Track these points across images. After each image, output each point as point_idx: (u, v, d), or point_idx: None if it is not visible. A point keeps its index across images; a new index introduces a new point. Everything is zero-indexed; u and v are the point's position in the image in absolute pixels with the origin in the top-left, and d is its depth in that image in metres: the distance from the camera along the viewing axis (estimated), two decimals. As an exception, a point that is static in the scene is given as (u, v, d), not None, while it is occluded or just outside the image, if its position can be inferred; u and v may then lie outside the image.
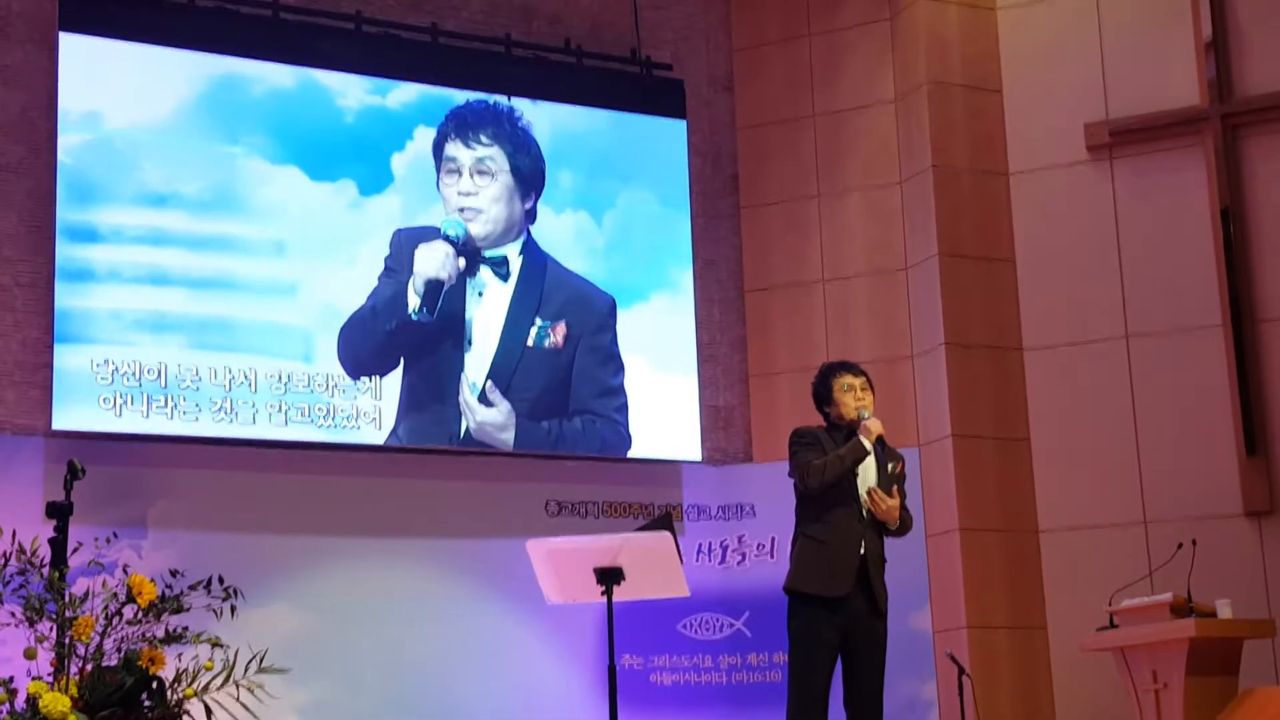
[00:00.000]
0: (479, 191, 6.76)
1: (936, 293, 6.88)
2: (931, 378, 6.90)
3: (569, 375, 6.81)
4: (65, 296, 6.03)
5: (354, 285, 6.53)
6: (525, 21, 7.25)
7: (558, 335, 6.76)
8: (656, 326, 7.10)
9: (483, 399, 6.62)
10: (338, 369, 6.44)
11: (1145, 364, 6.77)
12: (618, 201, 7.17)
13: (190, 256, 6.26)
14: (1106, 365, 6.81)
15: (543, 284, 6.82)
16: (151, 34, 6.34)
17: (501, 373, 6.66)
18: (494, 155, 6.82)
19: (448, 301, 6.61)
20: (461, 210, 6.73)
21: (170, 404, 6.10)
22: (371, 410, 6.46)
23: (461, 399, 6.59)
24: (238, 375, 6.24)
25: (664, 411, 7.01)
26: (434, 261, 6.59)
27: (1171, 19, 6.89)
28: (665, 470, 7.05)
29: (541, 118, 7.06)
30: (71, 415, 5.95)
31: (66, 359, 5.98)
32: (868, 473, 4.78)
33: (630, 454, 6.94)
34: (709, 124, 7.51)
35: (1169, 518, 6.53)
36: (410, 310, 6.52)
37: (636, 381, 6.98)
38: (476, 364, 6.65)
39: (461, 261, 6.63)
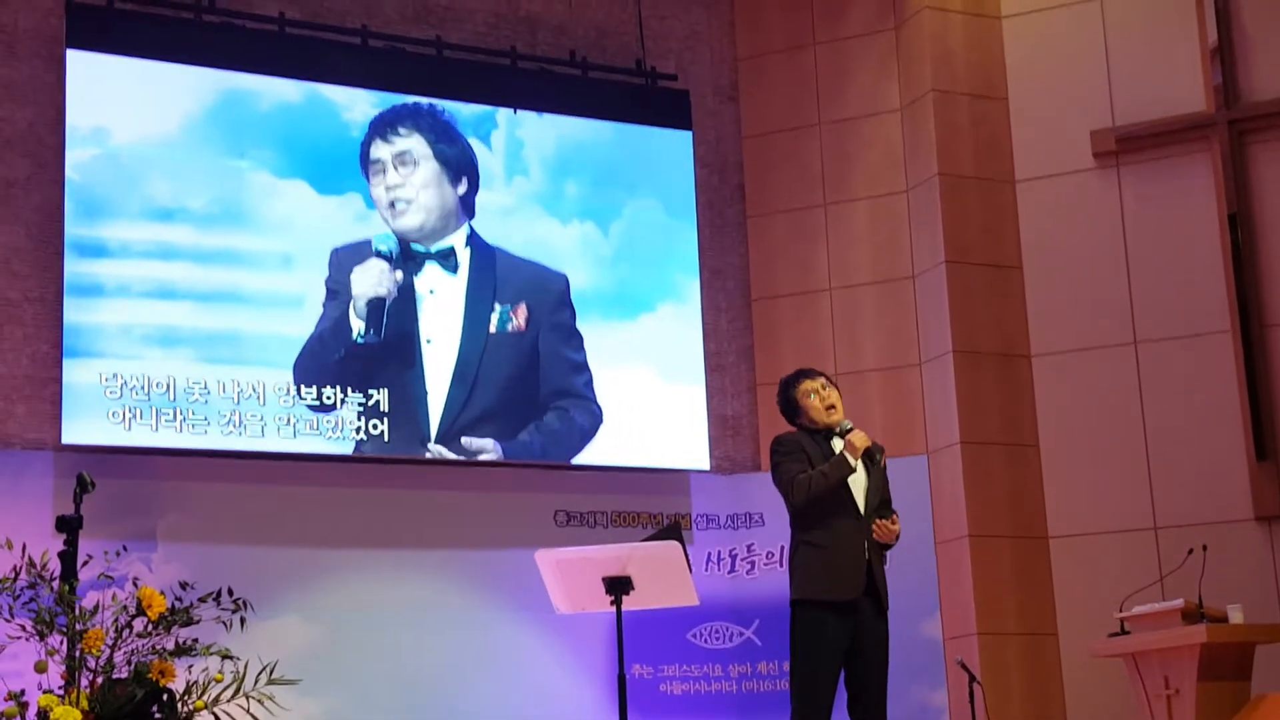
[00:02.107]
0: (405, 182, 6.69)
1: (944, 300, 6.88)
2: (940, 385, 6.89)
3: (536, 356, 6.79)
4: (74, 311, 6.05)
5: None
6: (530, 34, 7.27)
7: (520, 318, 6.74)
8: (664, 336, 7.10)
9: (462, 451, 6.55)
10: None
11: (1154, 370, 6.76)
12: (624, 212, 7.18)
13: (198, 270, 6.28)
14: (1115, 371, 6.80)
15: (494, 271, 6.80)
16: (158, 50, 6.37)
17: (468, 365, 6.61)
18: (413, 145, 6.75)
19: (394, 317, 6.52)
20: (393, 205, 6.64)
21: (179, 417, 6.12)
22: (380, 422, 6.46)
23: (435, 454, 6.51)
24: (246, 388, 6.25)
25: (672, 421, 7.01)
26: (369, 280, 6.50)
27: (1177, 25, 6.89)
28: (674, 479, 7.04)
29: (547, 130, 7.08)
30: (81, 429, 5.97)
31: (75, 373, 6.00)
32: (858, 470, 4.72)
33: (639, 464, 6.93)
34: (714, 134, 7.53)
35: (1179, 523, 6.52)
36: (355, 335, 6.45)
37: (644, 391, 6.98)
38: (440, 362, 6.59)
39: (399, 275, 6.55)
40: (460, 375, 6.61)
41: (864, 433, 4.69)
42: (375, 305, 6.49)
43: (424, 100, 6.83)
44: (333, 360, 6.41)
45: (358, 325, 6.46)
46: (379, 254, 6.55)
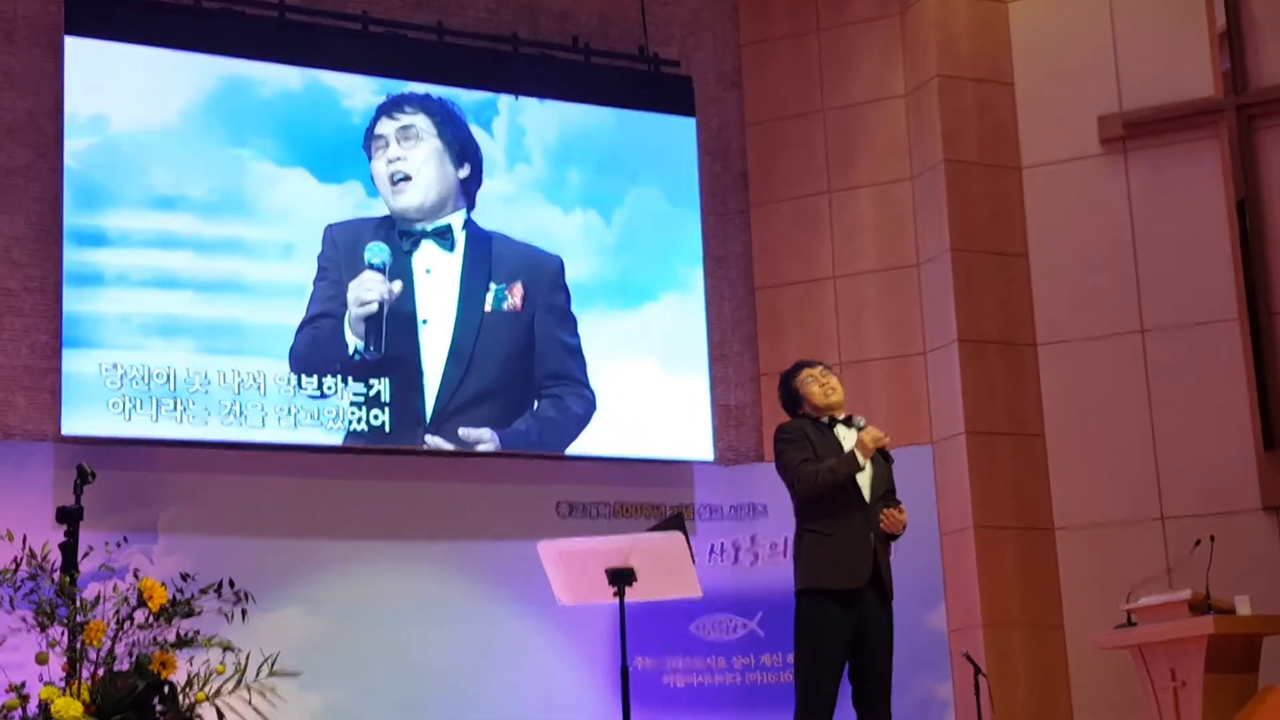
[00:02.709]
0: (407, 156, 6.65)
1: (949, 288, 6.85)
2: (945, 374, 6.86)
3: (531, 337, 6.75)
4: (73, 301, 6.02)
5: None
6: (532, 20, 7.23)
7: (516, 296, 6.71)
8: (667, 325, 7.07)
9: (459, 442, 6.51)
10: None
11: (1161, 358, 6.73)
12: (627, 200, 7.14)
13: (198, 259, 6.25)
14: (1122, 360, 6.78)
15: (490, 251, 6.76)
16: (157, 37, 6.33)
17: (463, 343, 6.57)
18: (417, 122, 6.72)
19: (391, 318, 6.45)
20: (393, 180, 6.62)
21: (179, 408, 6.09)
22: (381, 412, 6.43)
23: (432, 444, 6.48)
24: (247, 379, 6.22)
25: (675, 411, 6.99)
26: (365, 296, 6.41)
27: (1185, 10, 6.85)
28: (677, 470, 7.02)
29: (550, 116, 7.04)
30: (81, 420, 5.94)
31: (75, 363, 5.97)
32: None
33: (641, 454, 6.91)
34: (718, 120, 7.49)
35: (1186, 513, 6.49)
36: (351, 351, 6.37)
37: (647, 381, 6.96)
38: (436, 341, 6.55)
39: (398, 285, 6.49)
40: (456, 353, 6.58)
41: (878, 431, 4.63)
42: (372, 322, 6.43)
43: (432, 89, 6.78)
44: (333, 370, 6.37)
45: (354, 342, 6.40)
46: (372, 266, 6.48)
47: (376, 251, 6.52)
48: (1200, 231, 6.73)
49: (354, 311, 6.42)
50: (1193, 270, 6.73)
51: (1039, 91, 7.05)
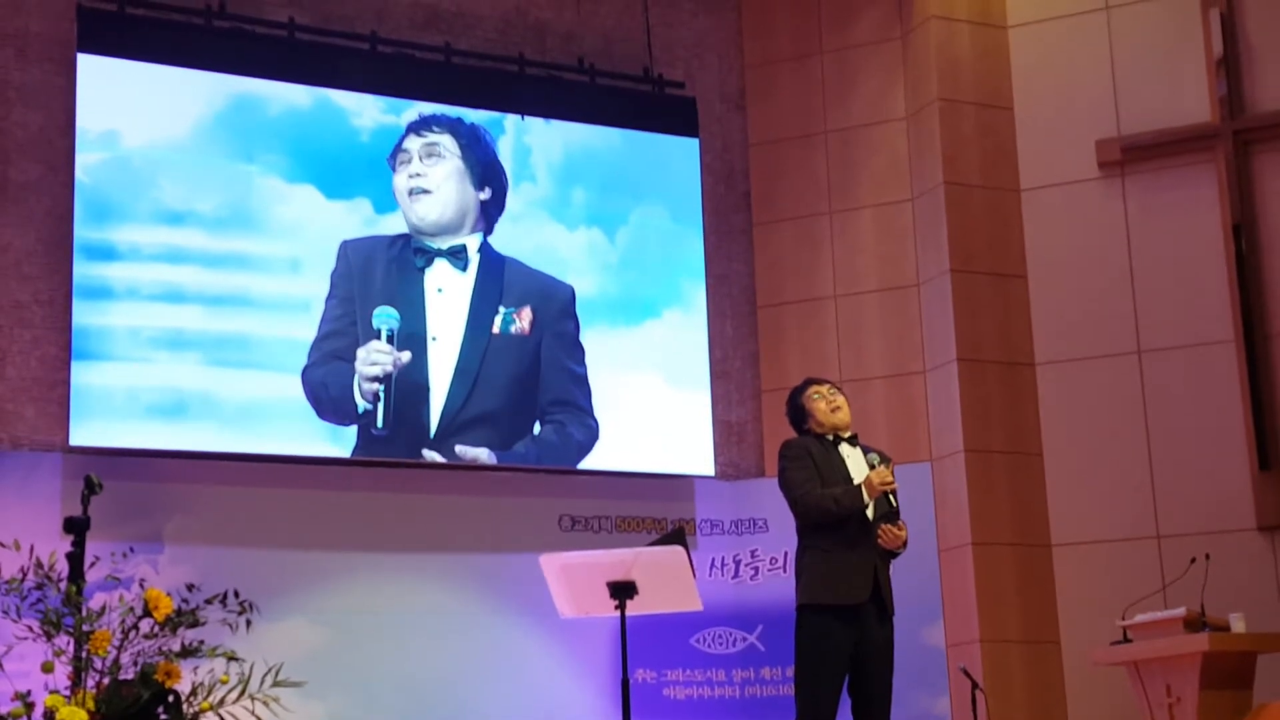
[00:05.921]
0: (428, 172, 6.72)
1: (949, 308, 6.90)
2: (944, 393, 6.91)
3: (537, 362, 6.80)
4: (83, 314, 6.08)
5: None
6: (538, 41, 7.31)
7: (524, 320, 6.74)
8: (669, 342, 7.13)
9: (456, 459, 6.56)
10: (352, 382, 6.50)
11: (1157, 379, 6.77)
12: (630, 218, 7.20)
13: (206, 274, 6.31)
14: (1119, 380, 6.82)
15: (502, 275, 6.81)
16: (168, 54, 6.40)
17: (469, 362, 6.62)
18: (443, 141, 6.79)
19: (401, 396, 6.45)
20: (411, 194, 6.68)
21: (186, 420, 6.14)
22: (387, 426, 6.49)
23: (430, 459, 6.53)
24: (254, 391, 6.27)
25: (677, 426, 7.03)
26: (367, 366, 6.44)
27: (1182, 36, 6.91)
28: (678, 485, 7.06)
29: (555, 136, 7.10)
30: (89, 431, 6.00)
31: (84, 375, 6.03)
32: (860, 474, 4.72)
33: (643, 469, 6.96)
34: (721, 141, 7.55)
35: (1182, 532, 6.53)
36: (361, 411, 6.40)
37: (650, 397, 7.01)
38: (443, 359, 6.59)
39: (406, 355, 6.53)
40: (462, 371, 6.64)
41: (888, 475, 4.64)
42: (380, 393, 6.45)
43: (441, 109, 6.85)
44: (343, 416, 6.41)
45: (362, 404, 6.44)
46: (378, 334, 6.51)
47: (385, 318, 6.53)
48: (1197, 254, 6.77)
49: (363, 385, 6.46)
50: (1189, 292, 6.77)
51: (1038, 116, 7.11)
